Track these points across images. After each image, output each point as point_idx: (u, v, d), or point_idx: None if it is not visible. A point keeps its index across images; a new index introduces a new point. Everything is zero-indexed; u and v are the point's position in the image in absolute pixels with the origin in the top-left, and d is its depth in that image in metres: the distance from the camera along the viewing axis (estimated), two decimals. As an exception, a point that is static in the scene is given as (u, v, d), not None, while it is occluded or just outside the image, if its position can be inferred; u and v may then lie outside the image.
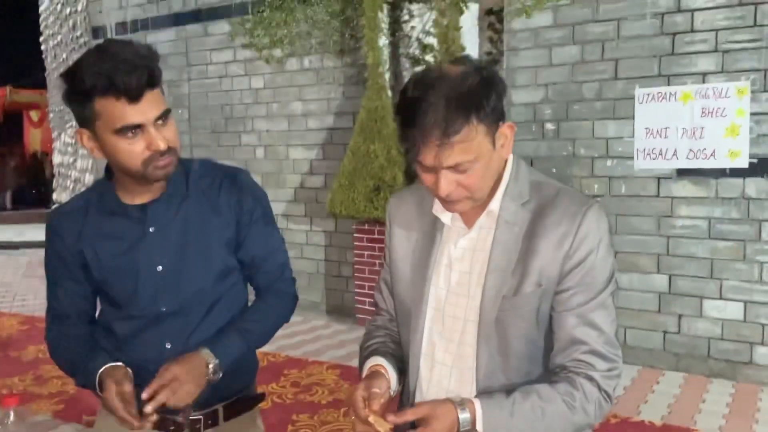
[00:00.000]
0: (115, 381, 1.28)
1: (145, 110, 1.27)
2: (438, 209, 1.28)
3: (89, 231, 1.45)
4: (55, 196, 9.54)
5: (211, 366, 1.34)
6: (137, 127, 1.28)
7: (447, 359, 1.25)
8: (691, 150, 4.08)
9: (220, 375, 1.37)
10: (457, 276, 1.26)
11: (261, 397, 1.63)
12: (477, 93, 1.09)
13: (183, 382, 1.28)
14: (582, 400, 1.15)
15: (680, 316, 4.20)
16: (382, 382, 1.22)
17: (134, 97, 1.25)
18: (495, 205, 1.23)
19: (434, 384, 1.27)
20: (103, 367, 1.33)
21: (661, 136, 4.16)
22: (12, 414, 1.11)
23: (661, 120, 4.14)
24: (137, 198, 1.43)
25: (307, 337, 5.07)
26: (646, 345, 4.29)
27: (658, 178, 4.21)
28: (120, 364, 1.35)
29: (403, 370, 1.33)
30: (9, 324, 5.59)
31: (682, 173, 4.13)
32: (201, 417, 1.46)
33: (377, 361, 1.29)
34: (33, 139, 19.03)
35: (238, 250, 1.50)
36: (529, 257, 1.18)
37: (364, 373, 1.28)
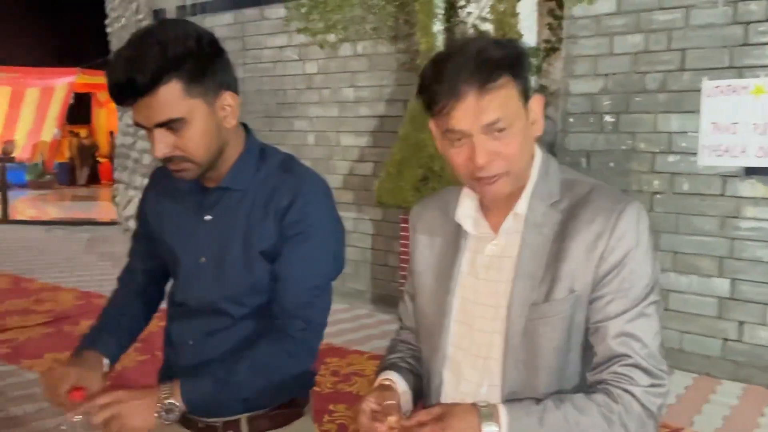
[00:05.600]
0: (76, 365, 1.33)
1: (143, 116, 1.20)
2: (460, 215, 1.18)
3: (159, 206, 1.43)
4: (115, 175, 9.81)
5: (163, 413, 1.18)
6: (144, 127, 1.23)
7: (474, 376, 1.15)
8: (761, 147, 3.82)
9: (177, 415, 1.20)
10: (483, 286, 1.15)
11: (295, 414, 1.41)
12: (510, 51, 1.06)
13: (122, 416, 1.16)
14: (621, 414, 1.03)
15: (741, 323, 3.96)
16: (391, 395, 1.14)
17: (120, 103, 1.20)
18: (522, 206, 1.13)
19: (459, 402, 1.18)
20: (83, 350, 1.39)
21: (729, 132, 3.92)
22: (81, 417, 1.16)
23: (730, 114, 3.90)
24: (205, 180, 1.33)
25: (351, 326, 5.04)
26: (702, 351, 4.07)
27: (724, 176, 3.97)
28: (95, 353, 1.40)
29: (420, 388, 1.24)
30: (65, 299, 5.79)
31: (750, 172, 3.88)
32: (220, 424, 1.36)
33: (387, 375, 1.21)
34: (99, 119, 19.74)
35: (273, 263, 1.32)
36: (560, 260, 1.08)
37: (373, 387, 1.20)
